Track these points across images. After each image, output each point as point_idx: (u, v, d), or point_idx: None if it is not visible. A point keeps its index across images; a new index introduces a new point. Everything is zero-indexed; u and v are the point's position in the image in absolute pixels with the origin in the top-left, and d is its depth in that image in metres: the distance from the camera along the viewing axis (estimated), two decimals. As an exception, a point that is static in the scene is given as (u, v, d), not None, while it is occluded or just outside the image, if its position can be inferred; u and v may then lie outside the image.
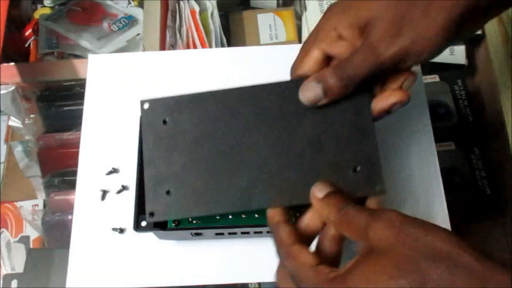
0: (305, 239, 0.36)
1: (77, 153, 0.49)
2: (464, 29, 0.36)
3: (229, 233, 0.42)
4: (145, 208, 0.38)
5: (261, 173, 0.38)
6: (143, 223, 0.39)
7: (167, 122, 0.40)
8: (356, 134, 0.38)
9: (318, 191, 0.36)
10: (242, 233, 0.42)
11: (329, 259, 0.35)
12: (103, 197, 0.47)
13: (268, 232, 0.40)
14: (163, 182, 0.39)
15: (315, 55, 0.38)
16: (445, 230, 0.30)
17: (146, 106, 0.40)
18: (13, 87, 0.70)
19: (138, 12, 0.80)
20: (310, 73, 0.38)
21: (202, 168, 0.39)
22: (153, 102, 0.40)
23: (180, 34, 0.71)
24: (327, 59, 0.39)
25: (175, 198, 0.38)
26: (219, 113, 0.40)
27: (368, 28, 0.36)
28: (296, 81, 0.39)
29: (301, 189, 0.37)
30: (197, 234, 0.42)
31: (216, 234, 0.42)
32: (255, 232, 0.42)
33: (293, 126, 0.39)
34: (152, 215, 0.38)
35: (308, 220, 0.36)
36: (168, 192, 0.38)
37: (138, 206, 0.40)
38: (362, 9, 0.36)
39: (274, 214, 0.37)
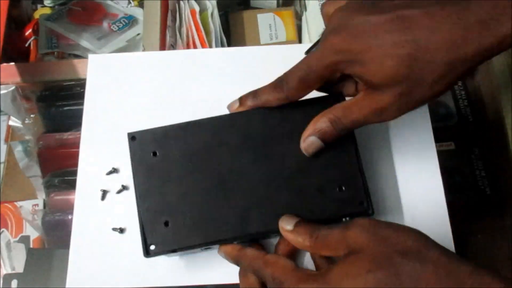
0: None
1: (77, 153, 0.49)
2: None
3: (240, 242, 0.42)
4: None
5: (253, 198, 0.39)
6: (152, 247, 0.39)
7: (157, 154, 0.41)
8: (339, 154, 0.40)
9: (286, 225, 0.38)
10: (251, 240, 0.42)
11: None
12: (103, 197, 0.47)
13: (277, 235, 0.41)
14: (160, 214, 0.40)
15: (315, 88, 0.40)
16: (414, 229, 0.33)
17: (135, 140, 0.41)
18: (13, 87, 0.70)
19: (138, 12, 0.80)
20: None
21: (197, 197, 0.40)
22: (140, 134, 0.41)
23: (180, 34, 0.71)
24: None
25: (173, 229, 0.39)
26: (207, 141, 0.41)
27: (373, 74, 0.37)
28: (282, 108, 0.41)
29: (293, 211, 0.39)
30: (207, 248, 0.42)
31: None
32: (263, 238, 0.42)
33: (279, 151, 0.40)
34: (152, 246, 0.39)
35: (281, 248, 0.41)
36: (166, 224, 0.40)
37: (144, 233, 0.40)
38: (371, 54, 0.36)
39: (232, 248, 0.40)
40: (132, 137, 0.42)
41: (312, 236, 0.36)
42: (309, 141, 0.39)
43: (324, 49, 0.38)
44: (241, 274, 0.40)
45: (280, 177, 0.40)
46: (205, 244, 0.40)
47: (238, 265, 0.40)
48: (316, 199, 0.40)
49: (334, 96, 0.42)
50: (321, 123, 0.39)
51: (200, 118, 0.42)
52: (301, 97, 0.40)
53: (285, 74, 0.40)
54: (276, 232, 0.39)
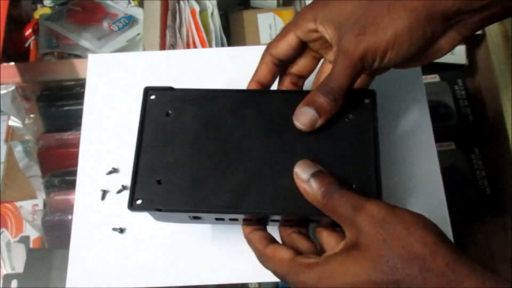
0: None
1: (77, 153, 0.49)
2: (449, 32, 0.36)
3: (230, 219, 0.40)
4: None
5: (254, 177, 0.38)
6: (138, 202, 0.38)
7: (170, 115, 0.40)
8: (355, 149, 0.38)
9: (302, 173, 0.36)
10: (244, 220, 0.40)
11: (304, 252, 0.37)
12: (103, 197, 0.47)
13: (272, 220, 0.39)
14: (156, 171, 0.38)
15: (291, 39, 0.40)
16: (425, 227, 0.31)
17: (152, 97, 0.40)
18: (13, 87, 0.70)
19: (138, 12, 0.80)
20: (283, 55, 0.40)
21: (197, 164, 0.38)
22: (160, 93, 0.41)
23: (180, 34, 0.71)
24: (301, 46, 0.40)
25: (164, 189, 0.38)
26: (223, 113, 0.40)
27: (339, 28, 0.37)
28: (302, 92, 0.40)
29: (293, 200, 0.37)
30: (195, 217, 0.40)
31: (216, 219, 0.40)
32: (257, 220, 0.40)
33: (292, 137, 0.39)
34: (139, 201, 0.38)
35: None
36: (159, 182, 0.38)
37: (133, 186, 0.38)
38: (338, 7, 0.37)
39: (245, 226, 0.39)
40: (149, 93, 0.41)
41: (324, 197, 0.34)
42: (300, 111, 0.37)
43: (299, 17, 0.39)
44: (247, 236, 0.40)
45: (287, 162, 0.38)
46: (192, 211, 0.38)
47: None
48: None
49: (365, 91, 0.40)
50: (310, 95, 0.37)
51: (221, 88, 0.41)
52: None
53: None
54: (273, 215, 0.38)
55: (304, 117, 0.37)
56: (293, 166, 0.37)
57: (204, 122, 0.39)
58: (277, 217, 0.38)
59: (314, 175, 0.35)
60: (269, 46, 0.41)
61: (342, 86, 0.36)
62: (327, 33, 0.38)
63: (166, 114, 0.40)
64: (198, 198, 0.37)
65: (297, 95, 0.39)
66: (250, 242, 0.38)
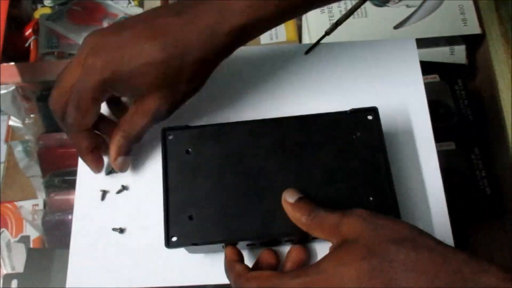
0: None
1: (77, 153, 0.49)
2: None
3: (261, 243, 0.42)
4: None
5: (279, 202, 0.40)
6: (174, 239, 0.40)
7: (191, 152, 0.42)
8: (368, 164, 0.41)
9: (289, 197, 0.39)
10: (273, 244, 0.42)
11: None
12: (103, 197, 0.47)
13: (300, 240, 0.42)
14: (186, 207, 0.40)
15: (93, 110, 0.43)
16: (408, 222, 0.34)
17: (170, 137, 0.43)
18: (13, 87, 0.70)
19: (138, 12, 0.80)
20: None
21: (224, 196, 0.41)
22: (177, 133, 0.43)
23: (180, 34, 0.71)
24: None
25: (197, 223, 0.40)
26: (240, 144, 0.42)
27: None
28: (313, 116, 0.43)
29: None
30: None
31: (248, 245, 0.43)
32: (285, 241, 0.42)
33: (310, 160, 0.41)
34: (174, 238, 0.40)
35: (264, 255, 0.40)
36: (190, 217, 0.40)
37: (167, 225, 0.40)
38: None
39: (231, 253, 0.40)
40: (167, 133, 0.43)
41: (310, 214, 0.37)
42: (118, 162, 0.44)
43: (86, 73, 0.40)
44: (227, 266, 0.40)
45: (308, 184, 0.40)
46: (226, 241, 0.40)
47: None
48: (343, 208, 0.39)
49: (367, 109, 0.43)
50: (116, 141, 0.43)
51: (235, 121, 0.43)
52: (88, 121, 0.42)
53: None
54: (298, 237, 0.40)
55: (122, 165, 0.45)
56: (313, 187, 0.40)
57: (223, 155, 0.42)
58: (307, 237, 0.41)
59: (300, 199, 0.38)
60: (76, 125, 0.43)
61: (141, 133, 0.44)
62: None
63: (187, 151, 0.42)
64: (229, 228, 0.40)
65: (308, 119, 0.43)
66: (233, 267, 0.38)
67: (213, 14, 0.39)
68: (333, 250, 0.34)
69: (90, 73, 0.39)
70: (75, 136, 0.43)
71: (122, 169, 0.45)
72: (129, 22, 0.41)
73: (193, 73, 0.40)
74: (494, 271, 0.30)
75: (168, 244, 0.40)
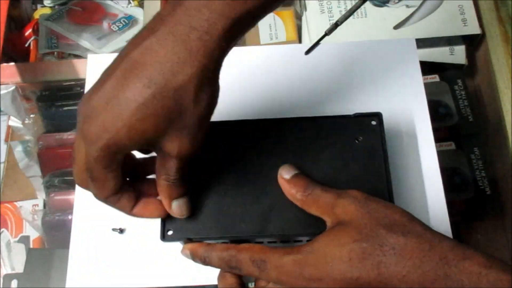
0: None
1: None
2: None
3: (256, 242, 0.42)
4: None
5: (279, 202, 0.40)
6: (169, 233, 0.40)
7: None
8: (369, 168, 0.41)
9: (285, 173, 0.38)
10: (269, 242, 0.42)
11: None
12: (103, 197, 0.47)
13: (295, 241, 0.41)
14: None
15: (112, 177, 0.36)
16: (400, 207, 0.35)
17: None
18: (13, 87, 0.70)
19: (138, 12, 0.80)
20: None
21: (222, 194, 0.41)
22: None
23: (180, 34, 0.71)
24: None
25: (194, 218, 0.40)
26: (243, 142, 0.42)
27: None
28: (316, 118, 0.43)
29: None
30: (224, 243, 0.42)
31: None
32: (281, 241, 0.42)
33: (311, 162, 0.41)
34: (170, 232, 0.40)
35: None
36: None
37: (164, 218, 0.40)
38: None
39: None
40: None
41: (306, 190, 0.37)
42: (174, 207, 0.38)
43: (87, 145, 0.35)
44: (219, 276, 0.40)
45: None
46: (222, 238, 0.40)
47: (205, 263, 0.39)
48: None
49: (371, 114, 0.43)
50: (162, 187, 0.38)
51: (238, 120, 0.43)
52: (110, 188, 0.37)
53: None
54: (296, 236, 0.40)
55: (178, 210, 0.39)
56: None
57: (225, 152, 0.42)
58: (300, 238, 0.40)
59: (296, 175, 0.38)
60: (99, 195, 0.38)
61: (181, 168, 0.37)
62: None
63: None
64: (226, 226, 0.40)
65: (311, 121, 0.43)
66: (212, 250, 0.38)
67: (191, 21, 0.33)
68: (326, 231, 0.35)
69: (90, 144, 0.34)
70: (107, 203, 0.38)
71: (182, 214, 0.39)
72: (110, 66, 0.36)
73: (195, 90, 0.34)
74: (477, 258, 0.31)
75: (164, 237, 0.40)
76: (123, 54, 0.35)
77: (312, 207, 0.37)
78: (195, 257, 0.39)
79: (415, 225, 0.33)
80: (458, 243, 0.32)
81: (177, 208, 0.38)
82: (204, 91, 0.34)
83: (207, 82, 0.34)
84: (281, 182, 0.39)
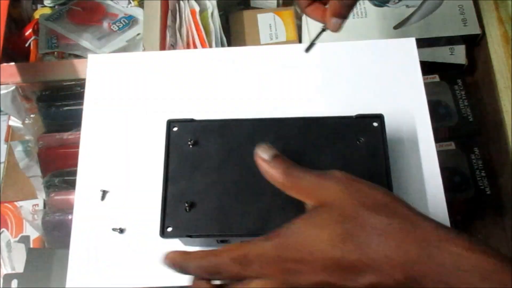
0: None
1: (77, 153, 0.49)
2: None
3: None
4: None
5: (278, 200, 0.40)
6: (169, 229, 0.40)
7: (193, 145, 0.42)
8: (370, 173, 0.41)
9: (263, 153, 0.37)
10: None
11: None
12: (103, 197, 0.47)
13: None
14: (184, 199, 0.41)
15: None
16: (384, 188, 0.34)
17: (175, 129, 0.43)
18: (13, 87, 0.70)
19: (138, 12, 0.80)
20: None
21: (222, 191, 0.41)
22: (182, 125, 0.43)
23: (180, 34, 0.71)
24: None
25: (193, 216, 0.40)
26: (243, 140, 0.42)
27: None
28: (318, 118, 0.43)
29: None
30: (222, 241, 0.42)
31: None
32: None
33: (311, 159, 0.41)
34: (169, 229, 0.40)
35: None
36: (187, 209, 0.40)
37: (164, 215, 0.41)
38: None
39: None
40: (172, 125, 0.43)
41: (286, 172, 0.36)
42: (333, 22, 0.46)
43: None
44: (192, 284, 0.37)
45: None
46: (221, 235, 0.40)
47: (183, 272, 0.36)
48: None
49: (373, 115, 0.43)
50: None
51: (239, 118, 0.43)
52: None
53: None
54: None
55: (334, 26, 0.46)
56: None
57: (226, 151, 0.42)
58: None
59: (275, 156, 0.37)
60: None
61: None
62: None
63: (189, 144, 0.42)
64: (225, 223, 0.40)
65: (312, 121, 0.43)
66: (189, 259, 0.36)
67: None
68: (307, 213, 0.34)
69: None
70: None
71: (336, 29, 0.46)
72: None
73: None
74: (459, 240, 0.30)
75: (163, 233, 0.40)
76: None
77: (294, 190, 0.36)
78: (173, 266, 0.36)
79: (398, 206, 0.33)
80: (441, 225, 0.32)
81: (336, 24, 0.46)
82: None
83: None
84: (259, 162, 0.37)
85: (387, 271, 0.30)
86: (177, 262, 0.36)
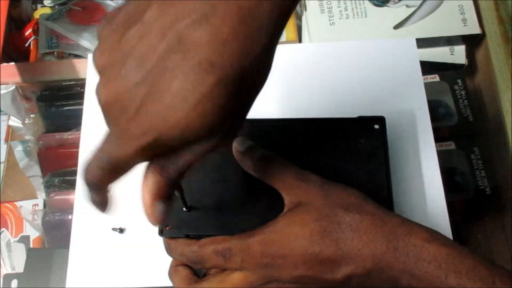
0: None
1: (77, 153, 0.49)
2: None
3: None
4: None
5: (279, 202, 0.39)
6: (168, 229, 0.40)
7: None
8: (370, 174, 0.41)
9: (239, 145, 0.39)
10: None
11: None
12: (103, 197, 0.47)
13: None
14: (184, 199, 0.40)
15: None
16: (356, 190, 0.38)
17: None
18: (13, 87, 0.70)
19: (138, 12, 0.80)
20: None
21: (222, 191, 0.41)
22: None
23: (180, 34, 0.71)
24: None
25: (193, 216, 0.40)
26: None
27: None
28: (318, 119, 0.43)
29: None
30: None
31: None
32: None
33: (316, 162, 0.41)
34: (168, 228, 0.40)
35: None
36: (187, 209, 0.40)
37: None
38: None
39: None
40: None
41: (261, 161, 0.38)
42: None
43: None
44: (171, 271, 0.40)
45: None
46: (219, 235, 0.39)
47: (168, 254, 0.40)
48: None
49: (374, 118, 0.43)
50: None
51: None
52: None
53: None
54: None
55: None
56: None
57: (225, 150, 0.41)
58: None
59: (250, 146, 0.39)
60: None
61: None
62: None
63: None
64: (224, 224, 0.40)
65: (313, 122, 0.43)
66: (174, 245, 0.39)
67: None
68: (288, 212, 0.37)
69: (129, 139, 0.29)
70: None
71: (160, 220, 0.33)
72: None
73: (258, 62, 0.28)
74: (421, 233, 0.34)
75: (162, 232, 0.40)
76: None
77: (269, 178, 0.38)
78: (166, 249, 0.40)
79: (369, 205, 0.36)
80: (406, 220, 0.36)
81: (159, 210, 0.32)
82: (263, 64, 0.30)
83: (266, 59, 0.29)
84: (235, 154, 0.39)
85: (359, 262, 0.34)
86: (164, 242, 0.40)
